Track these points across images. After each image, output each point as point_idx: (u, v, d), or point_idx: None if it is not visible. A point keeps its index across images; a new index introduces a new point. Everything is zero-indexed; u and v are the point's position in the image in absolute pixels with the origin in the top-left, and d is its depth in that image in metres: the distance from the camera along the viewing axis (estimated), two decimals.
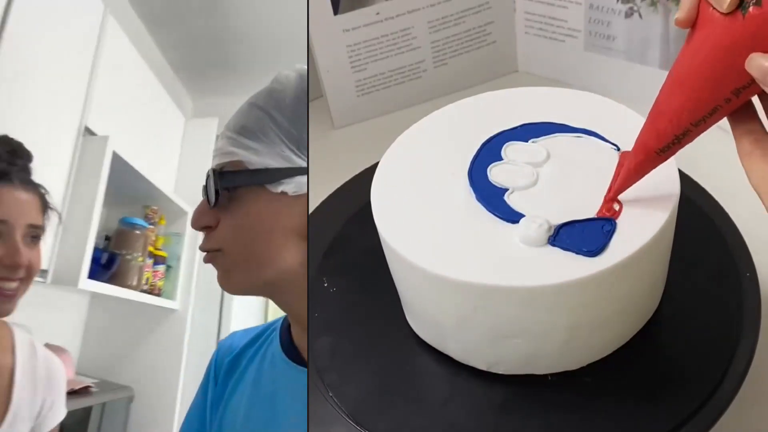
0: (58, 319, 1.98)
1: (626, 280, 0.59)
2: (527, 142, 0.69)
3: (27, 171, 0.84)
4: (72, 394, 1.58)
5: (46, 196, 0.85)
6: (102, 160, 1.54)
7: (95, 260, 1.60)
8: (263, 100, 0.53)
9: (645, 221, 0.59)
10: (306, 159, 0.52)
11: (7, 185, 0.78)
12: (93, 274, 1.58)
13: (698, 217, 0.75)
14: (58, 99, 1.42)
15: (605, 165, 0.64)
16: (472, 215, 0.63)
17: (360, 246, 0.76)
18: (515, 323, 0.59)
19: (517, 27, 1.13)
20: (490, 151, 0.69)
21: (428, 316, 0.65)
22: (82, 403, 1.68)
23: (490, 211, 0.63)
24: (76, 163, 1.49)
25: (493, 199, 0.64)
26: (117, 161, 1.62)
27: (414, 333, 0.69)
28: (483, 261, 0.59)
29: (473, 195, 0.65)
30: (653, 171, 0.63)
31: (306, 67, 0.54)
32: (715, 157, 0.89)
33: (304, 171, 0.51)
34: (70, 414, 1.78)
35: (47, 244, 1.34)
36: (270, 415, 0.57)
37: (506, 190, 0.64)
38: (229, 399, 0.62)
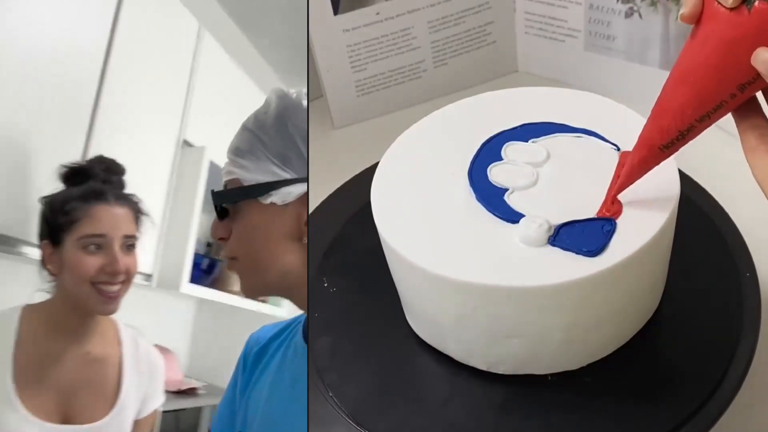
0: (167, 323, 2.05)
1: (626, 280, 0.59)
2: (527, 142, 0.69)
3: (121, 185, 0.96)
4: (179, 393, 1.65)
5: (140, 205, 0.96)
6: (200, 170, 1.61)
7: (196, 265, 1.66)
8: (251, 123, 0.59)
9: (645, 221, 0.59)
10: (289, 170, 0.58)
11: (104, 203, 0.89)
12: (194, 279, 1.63)
13: (698, 217, 0.75)
14: (158, 116, 1.52)
15: (605, 165, 0.64)
16: (472, 215, 0.63)
17: (360, 246, 0.76)
18: (515, 323, 0.59)
19: (517, 27, 1.13)
20: (490, 151, 0.69)
21: (428, 316, 0.65)
22: (189, 403, 1.75)
23: (490, 211, 0.63)
24: (176, 174, 1.58)
25: (493, 199, 0.64)
26: (214, 170, 1.67)
27: (414, 333, 0.69)
28: (483, 261, 0.59)
29: (473, 195, 0.65)
30: (653, 171, 0.63)
31: (283, 88, 0.60)
32: (715, 157, 0.89)
33: (289, 182, 0.57)
34: (183, 415, 1.84)
35: (151, 251, 1.47)
36: (290, 399, 0.61)
37: (506, 190, 0.64)
38: (255, 384, 0.66)
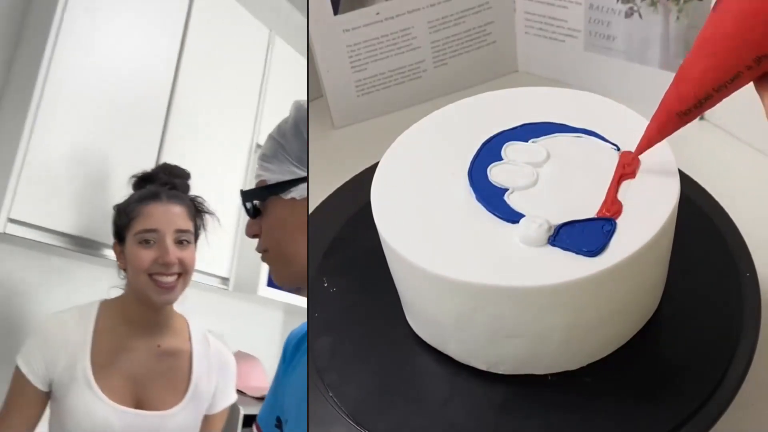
0: (254, 331, 2.08)
1: (626, 280, 0.59)
2: (527, 142, 0.69)
3: (185, 188, 1.05)
4: (262, 399, 1.64)
5: (198, 203, 1.04)
6: None
7: None
8: (275, 132, 0.67)
9: (645, 221, 0.59)
10: (305, 169, 0.64)
11: (157, 202, 0.98)
12: (272, 283, 1.65)
13: (698, 217, 0.75)
14: (230, 123, 1.57)
15: (605, 165, 0.64)
16: (472, 215, 0.63)
17: (360, 246, 0.76)
18: (515, 323, 0.59)
19: (517, 27, 1.13)
20: (490, 151, 0.69)
21: (428, 316, 0.65)
22: None
23: (490, 211, 0.63)
24: (249, 178, 1.62)
25: (493, 199, 0.64)
26: None
27: (414, 333, 0.69)
28: (483, 261, 0.59)
29: (473, 195, 0.65)
30: (653, 171, 0.63)
31: (300, 99, 0.67)
32: (715, 157, 0.89)
33: (305, 180, 0.64)
34: None
35: (227, 255, 1.53)
36: None
37: (506, 190, 0.64)
38: (292, 373, 0.71)
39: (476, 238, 0.61)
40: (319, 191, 0.85)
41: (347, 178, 0.86)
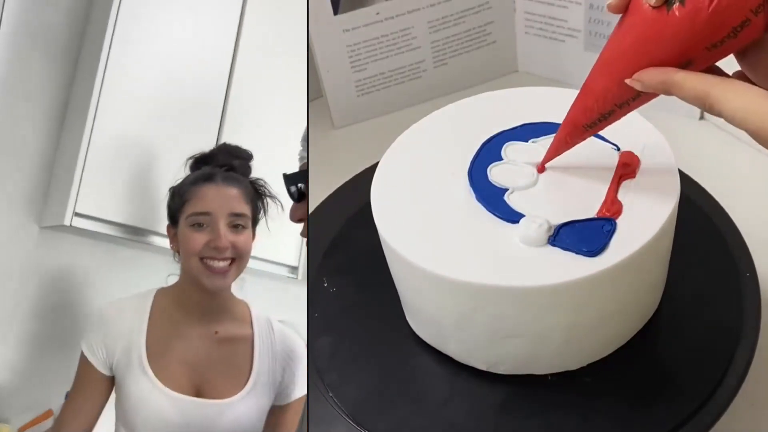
0: None
1: (626, 280, 0.59)
2: (527, 142, 0.69)
3: (241, 169, 1.00)
4: None
5: (258, 186, 1.00)
6: None
7: None
8: None
9: (645, 221, 0.59)
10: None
11: (211, 184, 0.94)
12: None
13: (698, 217, 0.75)
14: (295, 109, 1.51)
15: (605, 165, 0.64)
16: (472, 215, 0.63)
17: (360, 246, 0.76)
18: (515, 323, 0.59)
19: (517, 27, 1.13)
20: (490, 151, 0.69)
21: (428, 316, 0.65)
22: None
23: (490, 211, 0.63)
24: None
25: (493, 199, 0.64)
26: None
27: (414, 333, 0.69)
28: (483, 261, 0.59)
29: (473, 195, 0.65)
30: (653, 171, 0.63)
31: None
32: (715, 157, 0.89)
33: None
34: None
35: (294, 243, 1.48)
36: None
37: (506, 190, 0.64)
38: None
39: (476, 238, 0.61)
40: (319, 191, 0.85)
41: (347, 178, 0.86)
